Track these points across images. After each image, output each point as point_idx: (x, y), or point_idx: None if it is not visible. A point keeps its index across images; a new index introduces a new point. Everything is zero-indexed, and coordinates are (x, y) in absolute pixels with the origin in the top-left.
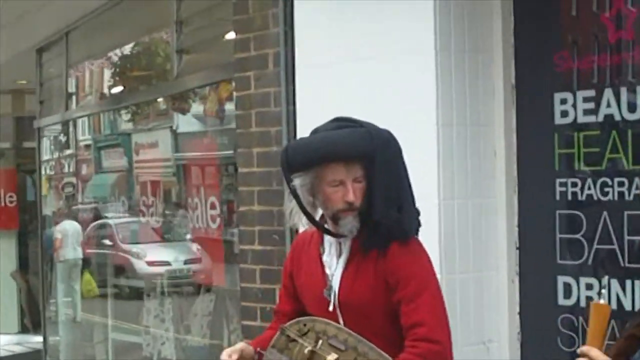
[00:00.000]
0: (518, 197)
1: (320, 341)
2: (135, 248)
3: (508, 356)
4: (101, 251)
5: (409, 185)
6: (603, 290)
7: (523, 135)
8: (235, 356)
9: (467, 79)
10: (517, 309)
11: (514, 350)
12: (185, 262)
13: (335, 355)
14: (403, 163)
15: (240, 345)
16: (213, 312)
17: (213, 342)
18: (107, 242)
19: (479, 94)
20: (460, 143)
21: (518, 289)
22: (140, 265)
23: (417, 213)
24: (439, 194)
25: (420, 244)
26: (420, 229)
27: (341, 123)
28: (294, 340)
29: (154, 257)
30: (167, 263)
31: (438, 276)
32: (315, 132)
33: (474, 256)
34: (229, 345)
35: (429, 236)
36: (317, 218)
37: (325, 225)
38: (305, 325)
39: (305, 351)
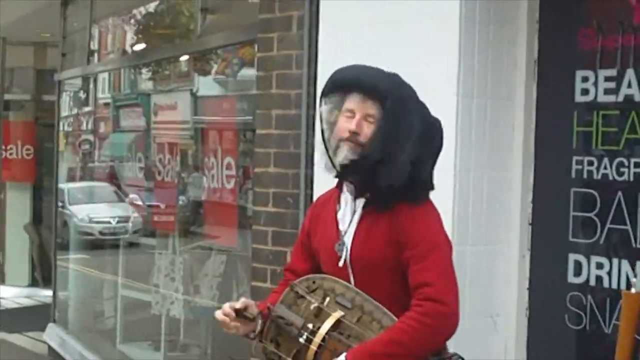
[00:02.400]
0: (534, 173)
1: (328, 298)
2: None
3: (515, 331)
4: None
5: (431, 154)
6: (634, 279)
7: (543, 111)
8: (237, 305)
9: (490, 50)
10: (527, 285)
11: (521, 325)
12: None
13: (340, 313)
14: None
15: (242, 300)
16: (223, 274)
17: (221, 304)
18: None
19: (501, 67)
20: (480, 115)
21: (528, 265)
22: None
23: (430, 177)
24: (455, 165)
25: (433, 206)
26: (435, 198)
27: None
28: (302, 296)
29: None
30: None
31: None
32: None
33: (486, 229)
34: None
35: (443, 206)
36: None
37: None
38: (314, 282)
39: (312, 307)
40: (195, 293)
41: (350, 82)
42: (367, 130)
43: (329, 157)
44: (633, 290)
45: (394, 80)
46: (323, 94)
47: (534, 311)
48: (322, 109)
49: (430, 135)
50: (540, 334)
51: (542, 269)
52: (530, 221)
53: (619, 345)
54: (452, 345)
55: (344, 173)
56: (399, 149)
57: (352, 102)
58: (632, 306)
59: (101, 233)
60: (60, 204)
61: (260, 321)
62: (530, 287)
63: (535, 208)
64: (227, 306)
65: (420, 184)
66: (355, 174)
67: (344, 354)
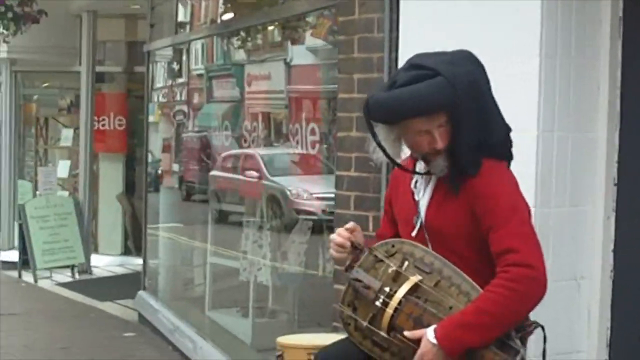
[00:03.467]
0: (619, 132)
1: (407, 262)
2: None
3: (599, 294)
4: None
5: (499, 113)
6: None
7: (628, 69)
8: (349, 226)
9: (574, 7)
10: (612, 247)
11: (606, 288)
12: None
13: (419, 277)
14: (489, 93)
15: (352, 224)
16: (309, 240)
17: (308, 271)
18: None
19: (585, 25)
20: (563, 75)
21: (614, 226)
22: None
23: (510, 142)
24: (538, 125)
25: (508, 172)
26: (518, 160)
27: (419, 72)
28: (380, 260)
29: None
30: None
31: (532, 209)
32: (393, 83)
33: (570, 191)
34: (323, 274)
35: (526, 168)
36: (402, 157)
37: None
38: (393, 246)
39: (390, 271)
40: (282, 259)
41: (406, 113)
42: (445, 136)
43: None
44: None
45: (446, 88)
46: (374, 121)
47: (618, 273)
48: (380, 135)
49: (490, 92)
50: (625, 296)
51: (627, 231)
52: (616, 182)
53: None
54: (536, 309)
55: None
56: (484, 136)
57: (421, 124)
58: None
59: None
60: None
61: (364, 254)
62: (615, 249)
63: (620, 168)
64: (342, 230)
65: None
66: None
67: (432, 327)
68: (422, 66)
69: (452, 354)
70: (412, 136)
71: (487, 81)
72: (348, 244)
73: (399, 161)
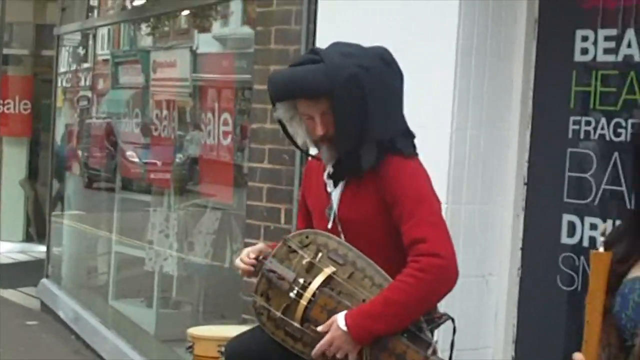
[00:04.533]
0: (531, 132)
1: (320, 254)
2: None
3: (506, 291)
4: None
5: (400, 110)
6: (602, 238)
7: (541, 70)
8: (253, 255)
9: (491, 7)
10: (520, 245)
11: (513, 285)
12: None
13: (332, 268)
14: (390, 90)
15: (260, 245)
16: (217, 231)
17: (214, 262)
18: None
19: (501, 25)
20: (479, 73)
21: (522, 225)
22: None
23: (411, 136)
24: (452, 122)
25: (418, 165)
26: (430, 156)
27: (309, 57)
28: (294, 251)
29: None
30: None
31: (444, 206)
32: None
33: (481, 188)
34: (230, 266)
35: (438, 164)
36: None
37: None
38: (307, 237)
39: (304, 262)
40: (189, 250)
41: (285, 94)
42: (330, 125)
43: (294, 142)
44: (601, 250)
45: (320, 76)
46: (272, 103)
47: (526, 271)
48: (278, 112)
49: (387, 88)
50: (532, 294)
51: (535, 229)
52: (526, 181)
53: (590, 307)
54: (443, 304)
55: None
56: (368, 129)
57: (305, 107)
58: (601, 266)
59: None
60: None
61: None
62: (523, 247)
63: (531, 168)
64: (245, 257)
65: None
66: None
67: (342, 314)
68: (316, 52)
69: (361, 342)
70: (304, 120)
71: (394, 79)
72: (252, 269)
73: (309, 151)
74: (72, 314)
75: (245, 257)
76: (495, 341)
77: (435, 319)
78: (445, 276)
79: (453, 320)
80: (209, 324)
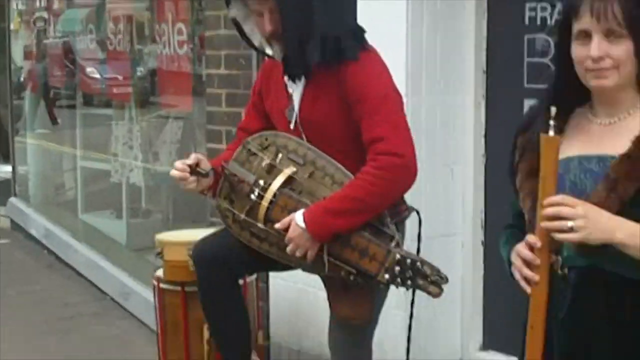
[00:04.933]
0: (487, 20)
1: (280, 155)
2: None
3: (472, 179)
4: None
5: (347, 4)
6: (552, 122)
7: None
8: (189, 161)
9: None
10: (483, 132)
11: (478, 172)
12: None
13: (292, 169)
14: None
15: (193, 156)
16: (181, 140)
17: None
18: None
19: None
20: None
21: (484, 113)
22: None
23: (362, 31)
24: (407, 17)
25: (378, 60)
26: (387, 49)
27: None
28: (254, 154)
29: None
30: None
31: (404, 98)
32: None
33: (440, 78)
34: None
35: (395, 57)
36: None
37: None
38: (266, 139)
39: (264, 164)
40: (154, 160)
41: None
42: (273, 22)
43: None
44: (551, 133)
45: None
46: (226, 3)
47: (490, 158)
48: (231, 12)
49: None
50: (498, 180)
51: (497, 116)
52: (485, 69)
53: (543, 192)
54: (410, 196)
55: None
56: (310, 23)
57: (253, 3)
58: (551, 150)
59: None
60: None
61: (211, 176)
62: (486, 134)
63: (489, 56)
64: (179, 163)
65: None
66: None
67: (300, 212)
68: None
69: (320, 238)
70: (252, 17)
71: None
72: (187, 175)
73: (266, 51)
74: (43, 230)
75: (179, 164)
76: (463, 228)
77: (400, 213)
78: (403, 175)
79: (418, 212)
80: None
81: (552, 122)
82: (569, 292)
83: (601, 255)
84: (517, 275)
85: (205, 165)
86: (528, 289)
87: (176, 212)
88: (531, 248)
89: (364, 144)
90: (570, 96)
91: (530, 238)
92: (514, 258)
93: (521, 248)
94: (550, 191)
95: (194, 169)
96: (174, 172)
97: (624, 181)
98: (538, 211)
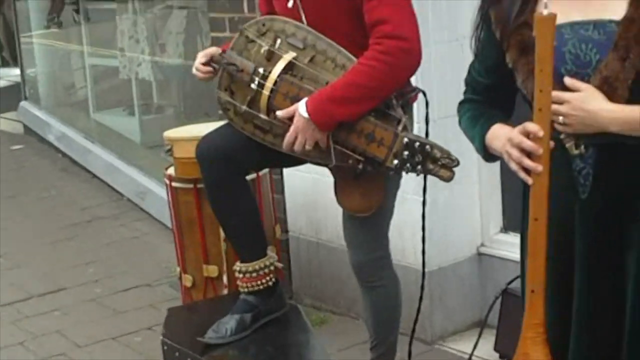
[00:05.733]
0: None
1: (279, 40)
2: None
3: None
4: None
5: None
6: (545, 0)
7: None
8: (204, 59)
9: None
10: None
11: None
12: None
13: (293, 54)
14: None
15: (211, 49)
16: (186, 30)
17: (188, 61)
18: None
19: None
20: None
21: None
22: None
23: None
24: None
25: None
26: None
27: None
28: (252, 41)
29: None
30: None
31: None
32: None
33: None
34: None
35: None
36: None
37: None
38: (264, 24)
39: (263, 51)
40: (161, 52)
41: None
42: None
43: None
44: (545, 12)
45: None
46: None
47: None
48: None
49: None
50: None
51: None
52: None
53: (541, 74)
54: (419, 75)
55: None
56: None
57: None
58: (547, 29)
59: None
60: None
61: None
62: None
63: None
64: (198, 63)
65: None
66: None
67: (304, 101)
68: None
69: (325, 127)
70: None
71: None
72: (211, 72)
73: None
74: (56, 133)
75: (199, 64)
76: None
77: (405, 94)
78: (408, 59)
79: (424, 93)
80: (194, 124)
81: (545, 1)
82: (589, 171)
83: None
84: (514, 166)
85: (217, 58)
86: (529, 180)
87: (188, 106)
88: (529, 136)
89: (366, 27)
90: None
91: (531, 126)
92: (509, 147)
93: (519, 136)
94: (549, 72)
95: (214, 61)
96: (197, 73)
97: (635, 47)
98: (535, 97)
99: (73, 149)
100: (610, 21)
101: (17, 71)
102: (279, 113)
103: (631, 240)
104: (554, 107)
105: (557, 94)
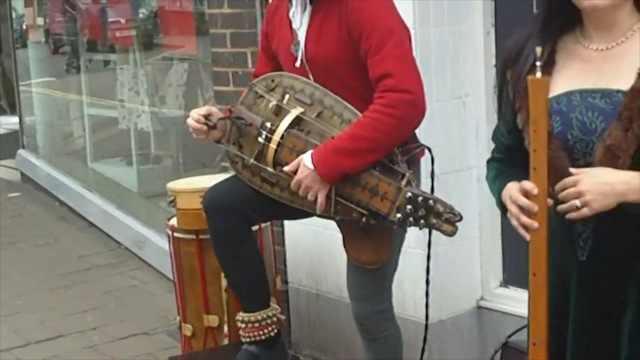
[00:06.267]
0: None
1: (287, 96)
2: None
3: (485, 109)
4: None
5: None
6: (538, 63)
7: None
8: (202, 112)
9: None
10: (494, 62)
11: (491, 103)
12: None
13: (300, 109)
14: None
15: (205, 108)
16: (187, 82)
17: (188, 113)
18: None
19: None
20: None
21: (494, 41)
22: None
23: None
24: None
25: None
26: None
27: None
28: (261, 96)
29: None
30: None
31: (412, 31)
32: None
33: (448, 9)
34: None
35: None
36: None
37: None
38: (273, 81)
39: (271, 106)
40: (161, 104)
41: None
42: None
43: None
44: (538, 75)
45: None
46: None
47: None
48: None
49: None
50: None
51: None
52: None
53: (535, 135)
54: (422, 131)
55: None
56: None
57: None
58: (540, 92)
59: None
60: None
61: (227, 125)
62: (497, 64)
63: None
64: (194, 114)
65: None
66: None
67: (309, 153)
68: None
69: (329, 179)
70: None
71: None
72: (204, 127)
73: None
74: (54, 181)
75: (195, 114)
76: (478, 161)
77: (410, 150)
78: (412, 111)
79: (430, 149)
80: (191, 175)
81: (538, 64)
82: (589, 234)
83: None
84: (514, 222)
85: (216, 116)
86: (527, 237)
87: (186, 157)
88: (527, 194)
89: (371, 82)
90: (559, 19)
91: (526, 184)
92: (509, 204)
93: (517, 194)
94: (543, 135)
95: (208, 123)
96: (191, 122)
97: (638, 118)
98: (531, 156)
99: (70, 197)
100: (618, 91)
101: (15, 119)
102: (285, 168)
103: (627, 302)
104: (572, 190)
105: (570, 179)
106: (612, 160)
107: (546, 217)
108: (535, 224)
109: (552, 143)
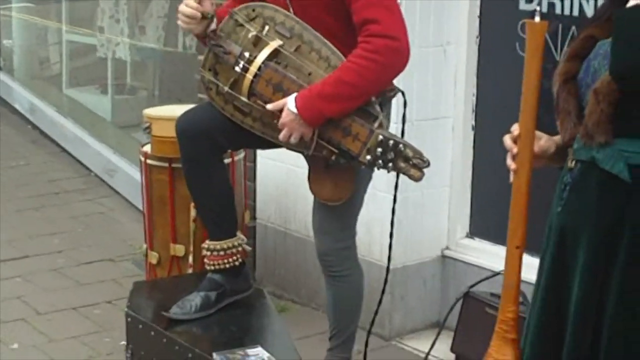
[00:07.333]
0: None
1: (267, 27)
2: None
3: (465, 60)
4: None
5: None
6: (537, 7)
7: None
8: (194, 4)
9: None
10: (478, 12)
11: (472, 54)
12: None
13: (279, 42)
14: None
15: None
16: (168, 14)
17: (167, 46)
18: None
19: None
20: None
21: None
22: None
23: None
24: None
25: None
26: None
27: None
28: (241, 25)
29: None
30: None
31: None
32: None
33: None
34: (184, 49)
35: None
36: None
37: None
38: (254, 10)
39: (250, 36)
40: (140, 34)
41: None
42: None
43: None
44: (537, 19)
45: None
46: None
47: (484, 39)
48: None
49: None
50: (490, 60)
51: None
52: None
53: (526, 80)
54: (401, 77)
55: None
56: None
57: None
58: (536, 36)
59: None
60: None
61: (215, 21)
62: (481, 14)
63: None
64: (191, 3)
65: None
66: None
67: (293, 96)
68: None
69: (313, 123)
70: None
71: None
72: (198, 14)
73: None
74: (28, 105)
75: (190, 2)
76: (455, 111)
77: (385, 92)
78: (397, 58)
79: (403, 93)
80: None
81: (537, 8)
82: (569, 186)
83: (601, 150)
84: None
85: (209, 8)
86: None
87: (162, 89)
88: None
89: (355, 26)
90: None
91: (513, 126)
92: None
93: (505, 137)
94: (533, 78)
95: (202, 11)
96: (183, 8)
97: None
98: (523, 96)
99: (44, 121)
100: None
101: None
102: (269, 106)
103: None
104: None
105: None
106: (594, 105)
107: (529, 159)
108: (513, 165)
109: (571, 86)
